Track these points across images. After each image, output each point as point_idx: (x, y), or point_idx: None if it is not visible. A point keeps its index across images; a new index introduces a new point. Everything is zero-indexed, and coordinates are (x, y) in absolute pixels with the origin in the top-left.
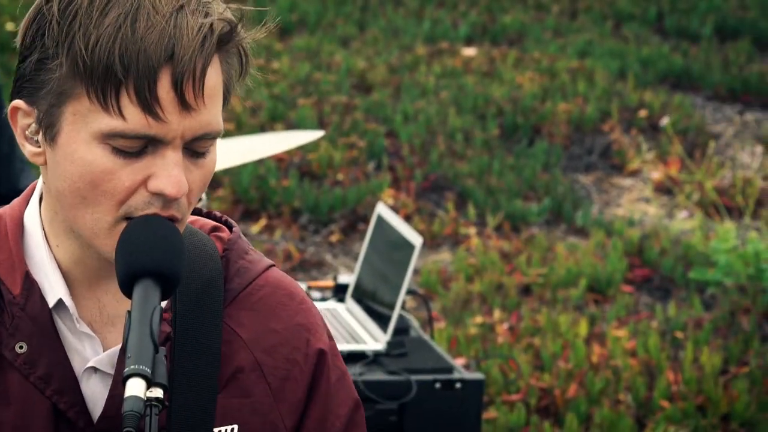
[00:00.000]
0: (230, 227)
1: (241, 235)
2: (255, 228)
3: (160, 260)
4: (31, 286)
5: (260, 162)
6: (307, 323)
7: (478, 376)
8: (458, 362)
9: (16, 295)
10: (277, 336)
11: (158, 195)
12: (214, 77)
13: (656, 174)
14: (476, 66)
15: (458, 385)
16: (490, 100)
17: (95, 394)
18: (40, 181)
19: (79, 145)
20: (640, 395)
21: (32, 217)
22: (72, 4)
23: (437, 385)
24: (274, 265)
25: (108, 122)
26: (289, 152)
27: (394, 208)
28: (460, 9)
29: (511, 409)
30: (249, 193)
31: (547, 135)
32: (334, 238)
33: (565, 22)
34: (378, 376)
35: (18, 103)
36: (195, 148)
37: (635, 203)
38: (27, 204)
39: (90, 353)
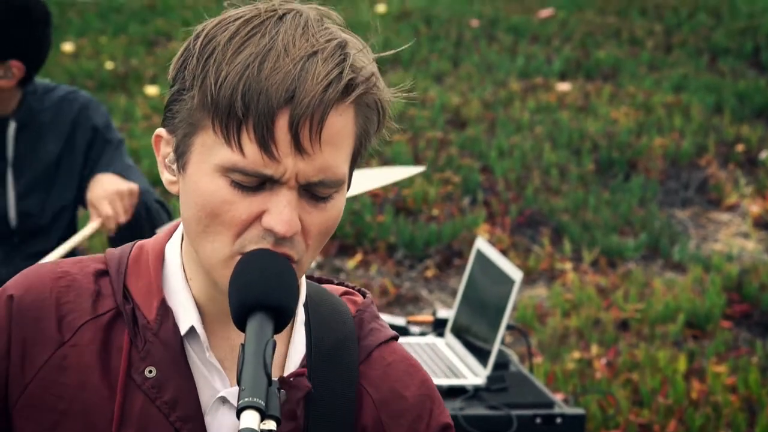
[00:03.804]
0: (363, 294)
1: (373, 303)
2: (351, 263)
3: (273, 294)
4: (165, 312)
5: (355, 198)
6: (432, 395)
7: (578, 411)
8: (557, 397)
9: (151, 320)
10: (405, 403)
11: (270, 231)
12: (338, 125)
13: (755, 208)
14: (571, 101)
15: (559, 420)
16: (585, 135)
17: (221, 425)
18: None
19: (203, 175)
20: (741, 431)
21: (173, 250)
22: (213, 41)
23: (538, 420)
24: (398, 337)
25: (229, 156)
26: (385, 188)
27: (489, 243)
28: (553, 44)
29: None
30: (345, 229)
31: (643, 170)
32: (429, 273)
33: (660, 56)
34: (478, 410)
35: (160, 131)
36: (315, 191)
37: (733, 238)
38: (170, 237)
39: (219, 386)
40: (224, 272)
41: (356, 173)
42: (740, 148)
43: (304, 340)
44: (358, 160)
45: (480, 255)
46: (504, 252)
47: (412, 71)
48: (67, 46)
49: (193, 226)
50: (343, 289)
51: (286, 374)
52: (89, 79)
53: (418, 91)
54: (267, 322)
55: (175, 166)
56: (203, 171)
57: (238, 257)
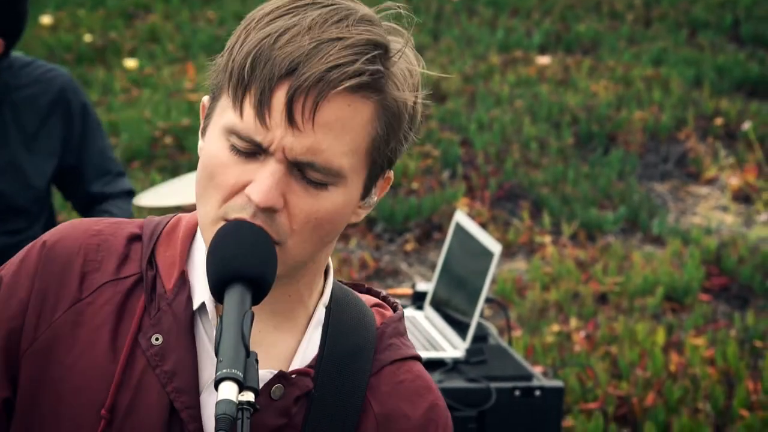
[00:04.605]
0: (395, 308)
1: (403, 319)
2: None
3: (250, 265)
4: (183, 284)
5: None
6: (438, 421)
7: (557, 383)
8: (536, 370)
9: (168, 290)
10: (408, 423)
11: (250, 200)
12: (342, 112)
13: (734, 181)
14: (551, 74)
15: (537, 392)
16: (564, 109)
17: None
18: None
19: (213, 136)
20: (719, 404)
21: None
22: (256, 14)
23: (516, 393)
24: (421, 359)
25: (232, 118)
26: None
27: (469, 217)
28: (533, 17)
29: (589, 417)
30: None
31: (623, 143)
32: (409, 246)
33: (640, 30)
34: (457, 383)
35: (204, 99)
36: (307, 174)
37: (712, 211)
38: None
39: None
40: (209, 235)
41: None
42: (719, 121)
43: (319, 340)
44: (375, 165)
45: (459, 228)
46: (483, 225)
47: None
48: (46, 19)
49: (198, 187)
50: (376, 300)
51: (289, 370)
52: (68, 52)
53: None
54: (245, 293)
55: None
56: (215, 133)
57: (222, 222)
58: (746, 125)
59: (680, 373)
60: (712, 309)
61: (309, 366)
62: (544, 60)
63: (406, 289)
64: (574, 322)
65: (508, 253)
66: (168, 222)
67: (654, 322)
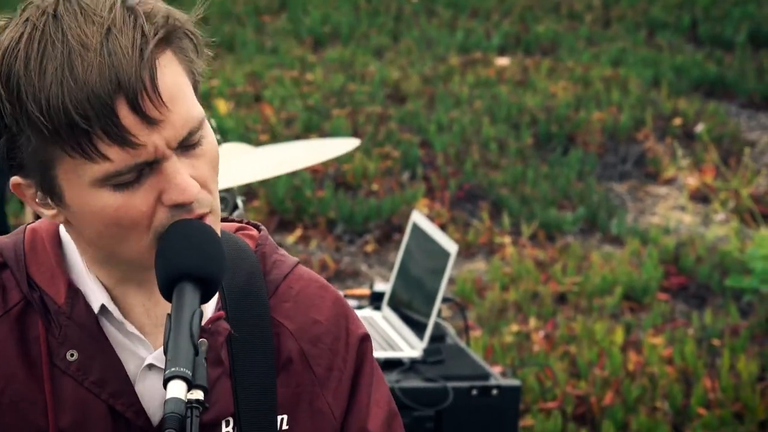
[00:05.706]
0: (257, 227)
1: (269, 235)
2: (291, 239)
3: (197, 263)
4: (75, 294)
5: (295, 173)
6: (345, 312)
7: (514, 382)
8: (494, 370)
9: (61, 304)
10: (321, 326)
11: (176, 206)
12: (169, 76)
13: (691, 181)
14: (510, 75)
15: (495, 391)
16: (523, 110)
17: (152, 391)
18: None
19: (84, 197)
20: (677, 402)
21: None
22: (12, 77)
23: (474, 392)
24: (299, 261)
25: (98, 169)
26: (324, 163)
27: (429, 218)
28: (493, 19)
29: (548, 416)
30: (284, 204)
31: (582, 144)
32: (369, 248)
33: (599, 30)
34: (415, 383)
35: (15, 179)
36: (191, 141)
37: (670, 211)
38: None
39: (144, 353)
40: (150, 257)
41: (294, 146)
42: (677, 121)
43: None
44: (198, 87)
45: (416, 228)
46: (443, 226)
47: (351, 46)
48: None
49: (101, 241)
50: (235, 225)
51: (204, 322)
52: None
53: (358, 65)
54: (194, 291)
55: (49, 201)
56: (83, 193)
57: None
58: (700, 127)
59: (638, 372)
60: (671, 308)
61: (217, 309)
62: (503, 61)
63: (363, 290)
64: (533, 322)
65: (468, 253)
66: (24, 238)
67: (612, 322)
